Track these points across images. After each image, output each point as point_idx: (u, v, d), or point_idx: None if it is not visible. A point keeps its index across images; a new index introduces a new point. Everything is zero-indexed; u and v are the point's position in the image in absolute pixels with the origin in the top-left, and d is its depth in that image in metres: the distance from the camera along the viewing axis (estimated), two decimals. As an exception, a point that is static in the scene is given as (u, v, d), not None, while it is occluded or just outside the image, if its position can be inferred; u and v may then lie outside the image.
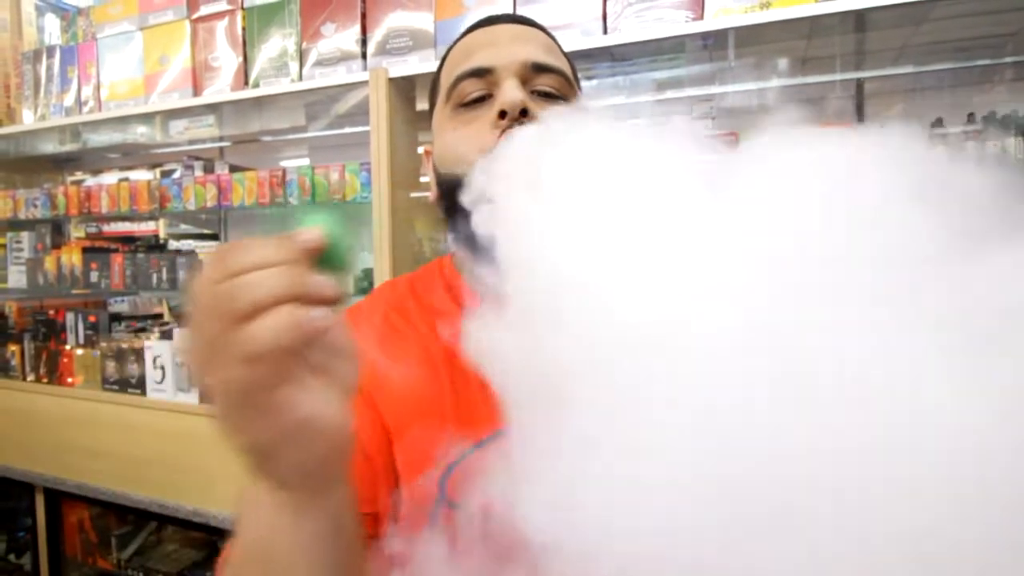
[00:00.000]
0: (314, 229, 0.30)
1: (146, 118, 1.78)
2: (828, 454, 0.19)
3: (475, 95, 0.53)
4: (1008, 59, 1.35)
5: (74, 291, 2.07)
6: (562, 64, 0.56)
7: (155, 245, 2.23)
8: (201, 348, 0.28)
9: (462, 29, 0.61)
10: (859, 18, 1.13)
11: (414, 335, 0.54)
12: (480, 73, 0.53)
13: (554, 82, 0.54)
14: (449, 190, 0.54)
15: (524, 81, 0.52)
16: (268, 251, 0.28)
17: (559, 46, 0.59)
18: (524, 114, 0.50)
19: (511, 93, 0.50)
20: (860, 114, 1.51)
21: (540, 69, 0.53)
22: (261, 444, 0.31)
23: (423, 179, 1.49)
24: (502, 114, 0.50)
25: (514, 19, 0.59)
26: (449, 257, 0.62)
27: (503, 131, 0.50)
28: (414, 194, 1.45)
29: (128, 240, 2.28)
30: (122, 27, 1.76)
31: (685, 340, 0.22)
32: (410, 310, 0.56)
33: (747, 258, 0.23)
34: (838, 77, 1.44)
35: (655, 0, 1.17)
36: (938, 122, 1.31)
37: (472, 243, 0.50)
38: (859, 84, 1.48)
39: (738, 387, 0.20)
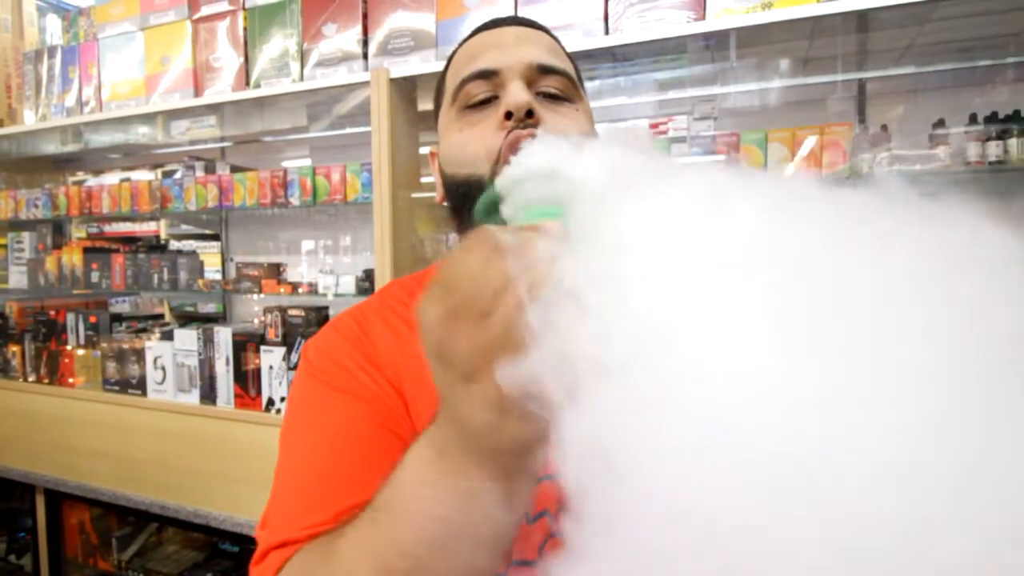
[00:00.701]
0: (551, 223, 0.30)
1: (147, 118, 1.78)
2: None
3: (481, 97, 0.54)
4: (1010, 59, 1.35)
5: (75, 291, 2.08)
6: (567, 66, 0.56)
7: (156, 246, 2.23)
8: (512, 336, 0.27)
9: (463, 29, 0.61)
10: (861, 18, 1.13)
11: None
12: (486, 75, 0.53)
13: (559, 83, 0.54)
14: (455, 191, 0.54)
15: (529, 83, 0.53)
16: (556, 244, 0.28)
17: (563, 48, 0.59)
18: (530, 115, 0.50)
19: (517, 95, 0.51)
20: (862, 115, 1.51)
21: (545, 71, 0.54)
22: (540, 437, 0.30)
23: (424, 180, 1.49)
24: (508, 115, 0.51)
25: (518, 21, 0.59)
26: None
27: (509, 132, 0.50)
28: (415, 195, 1.45)
29: (129, 240, 2.28)
30: (123, 27, 1.76)
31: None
32: None
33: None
34: (840, 78, 1.44)
35: (657, 0, 1.17)
36: (940, 123, 1.31)
37: None
38: (861, 84, 1.48)
39: None
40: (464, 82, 0.54)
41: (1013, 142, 1.24)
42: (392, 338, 0.53)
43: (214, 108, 1.66)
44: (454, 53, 0.60)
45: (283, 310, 1.55)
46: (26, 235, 2.21)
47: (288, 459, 0.49)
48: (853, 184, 0.26)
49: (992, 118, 1.28)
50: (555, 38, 0.60)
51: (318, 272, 1.76)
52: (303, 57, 1.50)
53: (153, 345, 1.68)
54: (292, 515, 0.44)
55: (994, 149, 1.25)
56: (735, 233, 0.23)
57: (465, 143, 0.53)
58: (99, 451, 1.71)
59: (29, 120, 1.96)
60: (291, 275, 1.94)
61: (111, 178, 2.47)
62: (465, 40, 0.59)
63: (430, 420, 0.49)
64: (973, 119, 1.30)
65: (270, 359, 1.52)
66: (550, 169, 0.31)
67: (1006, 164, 1.24)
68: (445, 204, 0.59)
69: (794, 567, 0.17)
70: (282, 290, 1.75)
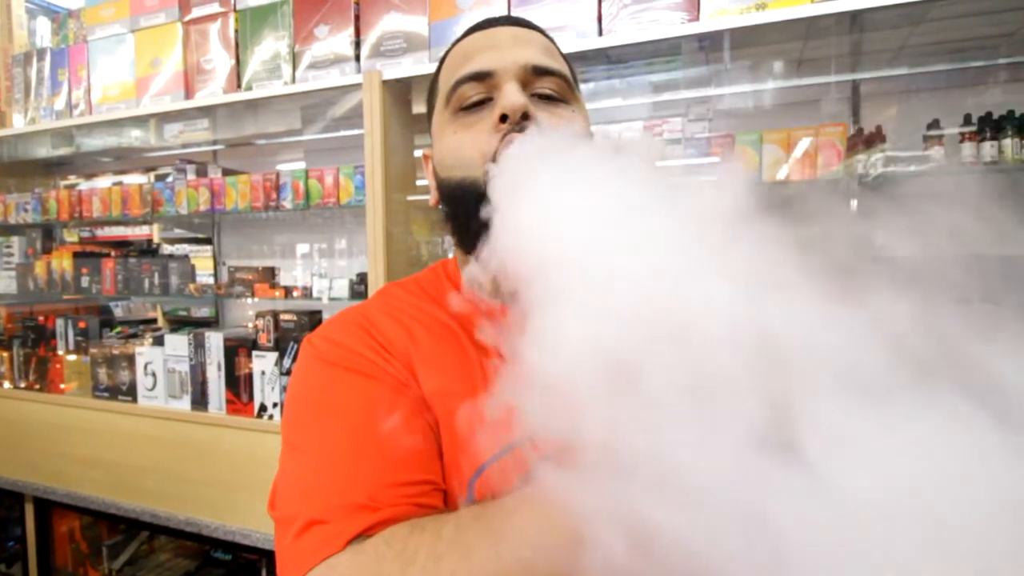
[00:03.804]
0: None
1: (139, 121, 1.76)
2: None
3: (475, 99, 0.52)
4: (1003, 60, 1.35)
5: (65, 296, 2.05)
6: (562, 66, 0.55)
7: (146, 250, 2.21)
8: None
9: (456, 31, 0.60)
10: (855, 19, 1.13)
11: (443, 329, 0.53)
12: (480, 77, 0.52)
13: (554, 85, 0.53)
14: (450, 194, 0.53)
15: (524, 84, 0.52)
16: None
17: (558, 48, 0.58)
18: (525, 118, 0.50)
19: (512, 97, 0.50)
20: (856, 116, 1.51)
21: (540, 72, 0.53)
22: None
23: (420, 182, 1.47)
24: (503, 118, 0.50)
25: (513, 21, 0.58)
26: (453, 260, 0.61)
27: (505, 135, 0.49)
28: (410, 197, 1.43)
29: (122, 244, 2.26)
30: (113, 29, 1.74)
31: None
32: (428, 309, 0.55)
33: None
34: (834, 79, 1.44)
35: (651, 2, 1.16)
36: (935, 123, 1.31)
37: (475, 246, 0.50)
38: (855, 86, 1.48)
39: None
40: (458, 84, 0.53)
41: (1007, 142, 1.24)
42: (399, 329, 0.52)
43: (205, 111, 1.64)
44: (447, 53, 0.59)
45: (275, 314, 1.53)
46: (15, 239, 2.18)
47: (315, 438, 0.47)
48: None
49: (986, 118, 1.28)
50: (550, 38, 0.59)
51: (311, 276, 1.75)
52: (295, 59, 1.48)
53: (144, 351, 1.66)
54: (337, 492, 0.42)
55: (989, 149, 1.25)
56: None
57: (460, 146, 0.52)
58: (89, 458, 1.69)
59: (18, 123, 1.93)
60: (286, 279, 1.92)
61: (103, 182, 2.45)
62: (458, 40, 0.58)
63: (443, 408, 0.49)
64: (967, 119, 1.30)
65: (262, 364, 1.51)
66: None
67: (1000, 164, 1.25)
68: (440, 207, 0.58)
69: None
70: (276, 294, 1.73)
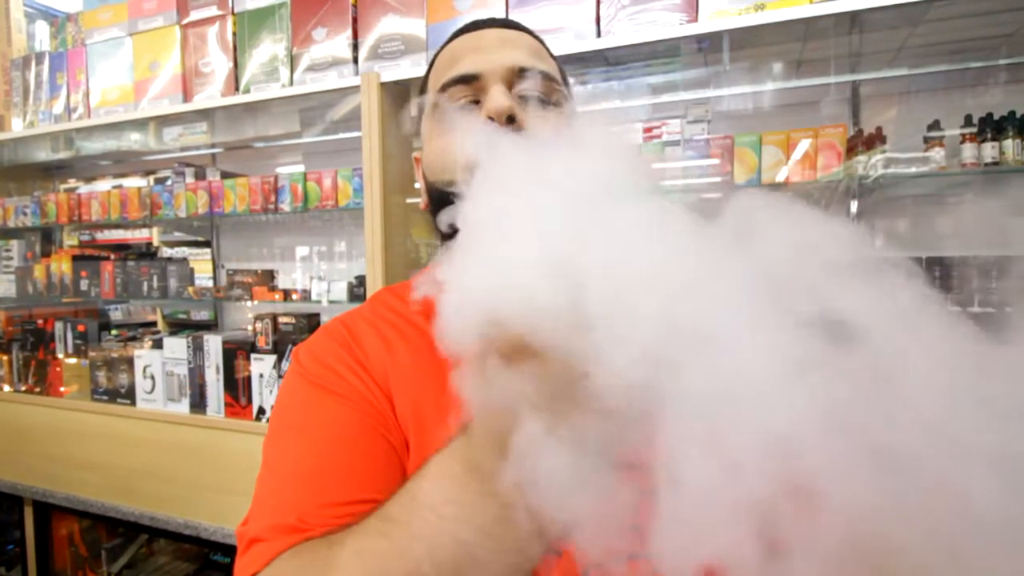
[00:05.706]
0: None
1: (138, 125, 1.76)
2: None
3: (462, 102, 0.52)
4: (1003, 61, 1.34)
5: (64, 300, 2.05)
6: (550, 67, 0.55)
7: (145, 253, 2.21)
8: None
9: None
10: (854, 20, 1.12)
11: (424, 343, 0.53)
12: (466, 80, 0.52)
13: (542, 86, 0.53)
14: (438, 197, 0.53)
15: (511, 86, 0.52)
16: None
17: (547, 49, 0.58)
18: (511, 121, 0.49)
19: (498, 100, 0.49)
20: (856, 117, 1.50)
21: (528, 74, 0.52)
22: None
23: (418, 184, 1.47)
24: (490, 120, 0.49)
25: (500, 23, 0.58)
26: None
27: None
28: (409, 200, 1.43)
29: (122, 248, 2.25)
30: (112, 33, 1.74)
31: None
32: (413, 319, 0.55)
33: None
34: (833, 80, 1.44)
35: (649, 3, 1.16)
36: (935, 124, 1.30)
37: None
38: (855, 87, 1.47)
39: None
40: (445, 87, 0.53)
41: (1008, 143, 1.23)
42: (381, 344, 0.52)
43: (203, 114, 1.64)
44: (436, 56, 0.59)
45: (274, 317, 1.53)
46: (14, 243, 2.18)
47: (278, 456, 0.48)
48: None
49: (987, 119, 1.27)
50: (539, 39, 0.58)
51: (310, 278, 1.74)
52: (293, 62, 1.48)
53: (142, 354, 1.66)
54: (278, 511, 0.43)
55: (989, 150, 1.24)
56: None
57: (446, 149, 0.52)
58: (88, 462, 1.69)
59: (17, 127, 1.93)
60: (285, 282, 1.92)
61: (102, 185, 2.45)
62: (447, 43, 0.58)
63: (416, 426, 0.49)
64: (968, 120, 1.29)
65: (260, 367, 1.50)
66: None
67: (1001, 165, 1.24)
68: (429, 210, 0.58)
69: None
70: (275, 297, 1.73)
